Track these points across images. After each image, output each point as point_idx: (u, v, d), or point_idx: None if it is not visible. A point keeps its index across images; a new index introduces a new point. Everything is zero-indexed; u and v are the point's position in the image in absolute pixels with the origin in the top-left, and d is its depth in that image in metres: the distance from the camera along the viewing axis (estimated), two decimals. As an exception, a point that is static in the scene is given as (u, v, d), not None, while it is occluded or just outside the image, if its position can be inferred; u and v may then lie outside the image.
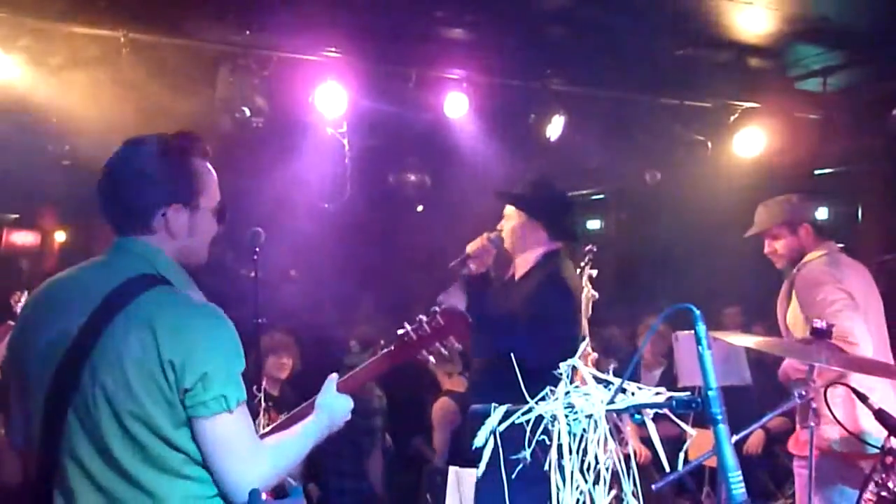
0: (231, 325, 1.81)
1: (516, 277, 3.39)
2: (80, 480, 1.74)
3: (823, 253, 3.56)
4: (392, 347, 2.25)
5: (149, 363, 1.69)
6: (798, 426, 3.52)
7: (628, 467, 1.74)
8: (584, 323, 3.73)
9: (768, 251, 3.70)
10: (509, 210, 3.43)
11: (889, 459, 2.51)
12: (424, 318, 2.24)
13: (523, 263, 3.38)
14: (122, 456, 1.72)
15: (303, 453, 1.98)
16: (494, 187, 3.75)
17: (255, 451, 1.79)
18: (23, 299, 3.60)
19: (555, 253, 3.35)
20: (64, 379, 1.73)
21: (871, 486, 2.53)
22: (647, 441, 3.93)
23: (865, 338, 3.19)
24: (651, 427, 1.81)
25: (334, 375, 2.16)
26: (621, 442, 1.76)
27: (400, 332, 2.24)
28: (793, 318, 3.56)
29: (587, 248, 3.86)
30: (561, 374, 1.62)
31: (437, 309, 2.25)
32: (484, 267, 3.45)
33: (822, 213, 6.07)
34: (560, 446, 1.74)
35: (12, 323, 3.54)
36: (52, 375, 1.74)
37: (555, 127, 5.63)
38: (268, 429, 2.19)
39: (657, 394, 1.80)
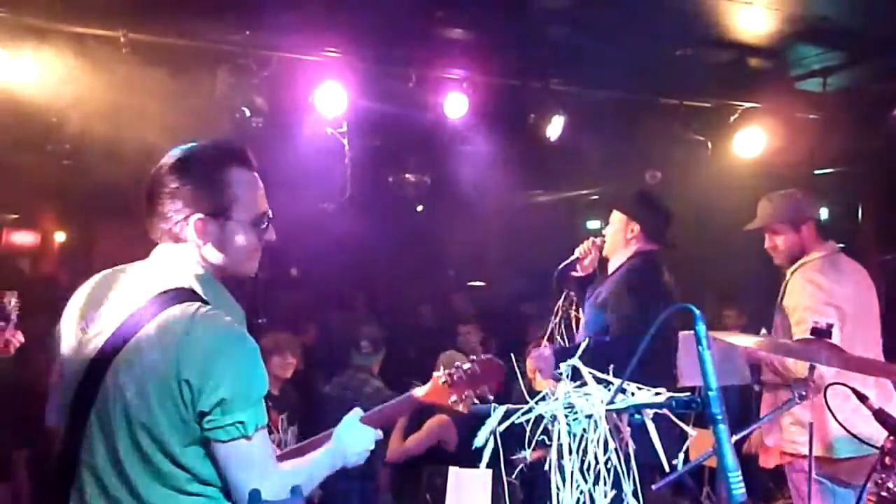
0: (255, 347, 1.78)
1: (608, 274, 3.67)
2: (92, 484, 1.76)
3: (823, 254, 3.54)
4: (425, 391, 2.23)
5: (167, 378, 1.69)
6: (763, 437, 3.57)
7: (628, 467, 1.74)
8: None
9: (768, 246, 3.68)
10: (614, 216, 3.70)
11: (888, 460, 2.51)
12: (462, 366, 2.23)
13: (616, 262, 3.64)
14: (129, 466, 1.73)
15: (316, 481, 1.99)
16: (494, 187, 3.88)
17: (269, 476, 1.79)
18: (13, 301, 3.59)
19: (645, 253, 3.57)
20: (91, 380, 1.75)
21: (871, 486, 2.53)
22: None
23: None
24: (651, 427, 1.82)
25: (358, 410, 2.15)
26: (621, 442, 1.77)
27: (435, 374, 2.22)
28: (782, 318, 3.55)
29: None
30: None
31: (475, 357, 2.26)
32: (591, 268, 3.78)
33: (822, 213, 6.07)
34: (560, 446, 1.74)
35: (2, 324, 3.56)
36: (83, 374, 1.76)
37: (555, 127, 5.62)
38: (280, 441, 2.17)
39: (657, 394, 1.80)
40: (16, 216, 8.68)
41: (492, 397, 2.25)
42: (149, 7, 4.35)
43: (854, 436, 2.90)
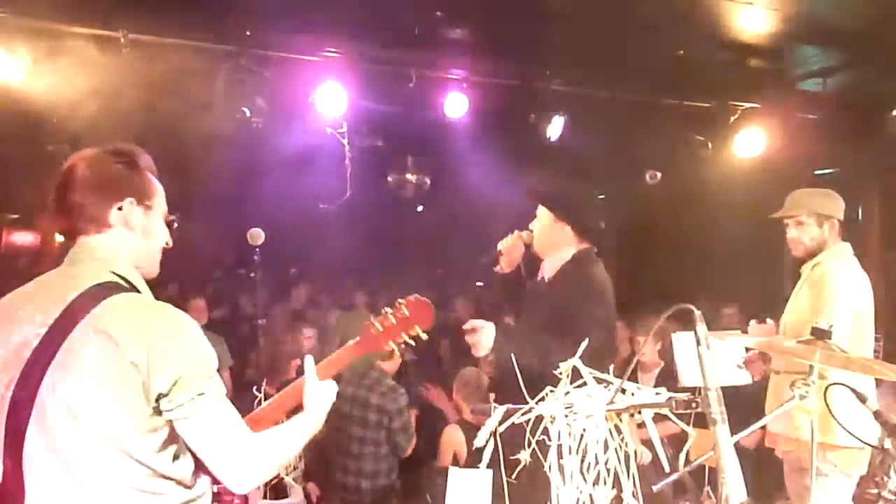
0: (195, 324, 1.78)
1: (546, 279, 3.30)
2: (43, 494, 1.70)
3: (840, 254, 3.59)
4: (358, 338, 2.29)
5: (113, 367, 1.66)
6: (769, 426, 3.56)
7: (628, 467, 1.74)
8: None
9: (790, 237, 3.71)
10: (540, 209, 3.34)
11: (887, 459, 2.51)
12: (389, 309, 2.30)
13: (551, 265, 3.28)
14: (84, 473, 1.69)
15: (296, 447, 1.98)
16: (494, 187, 3.77)
17: (247, 444, 1.78)
18: None
19: (583, 253, 3.23)
20: (23, 394, 1.68)
21: (870, 486, 2.53)
22: (647, 443, 3.93)
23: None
24: (651, 427, 1.82)
25: (310, 358, 2.16)
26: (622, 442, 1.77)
27: (365, 323, 2.29)
28: (796, 313, 3.58)
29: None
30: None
31: (401, 300, 2.30)
32: (515, 264, 3.42)
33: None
34: (560, 446, 1.74)
35: None
36: (12, 392, 1.69)
37: (555, 127, 5.63)
38: (256, 410, 2.18)
39: (657, 394, 1.81)
40: (16, 216, 8.68)
41: (424, 335, 2.29)
42: (149, 7, 4.35)
43: (855, 436, 2.90)
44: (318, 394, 2.08)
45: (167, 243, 1.97)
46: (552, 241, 3.28)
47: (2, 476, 1.71)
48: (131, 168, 1.89)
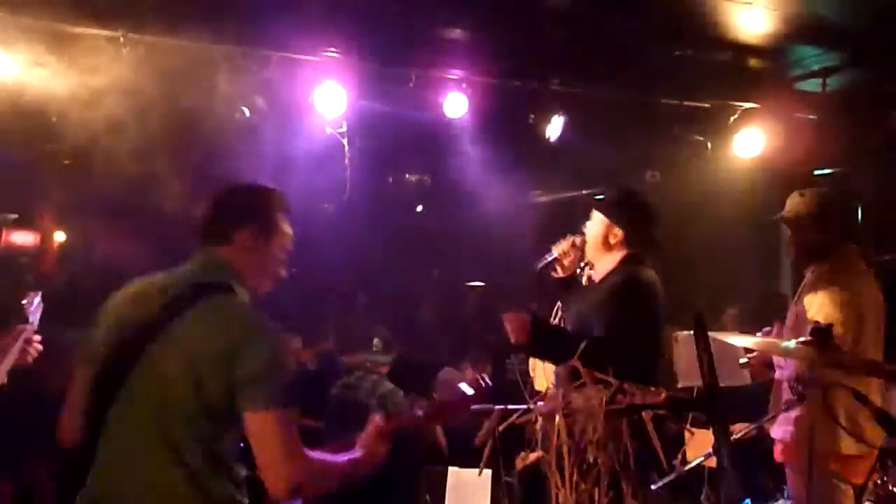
0: (283, 339, 2.04)
1: (596, 280, 3.44)
2: (111, 454, 1.95)
3: (841, 256, 3.56)
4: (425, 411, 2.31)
5: (211, 353, 1.90)
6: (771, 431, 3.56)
7: (627, 467, 1.74)
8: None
9: (790, 240, 3.68)
10: (595, 215, 3.48)
11: (888, 461, 2.51)
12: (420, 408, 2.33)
13: (601, 268, 3.41)
14: (146, 442, 1.91)
15: (336, 479, 2.08)
16: (494, 188, 3.81)
17: (293, 456, 1.92)
18: (35, 300, 3.39)
19: (633, 257, 3.35)
20: (119, 362, 1.95)
21: (871, 487, 2.53)
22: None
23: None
24: (650, 427, 1.82)
25: (377, 418, 2.27)
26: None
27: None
28: (798, 314, 3.56)
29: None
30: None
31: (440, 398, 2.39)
32: (571, 269, 3.57)
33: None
34: (560, 446, 1.75)
35: (26, 326, 3.39)
36: (111, 358, 1.97)
37: (555, 127, 5.62)
38: None
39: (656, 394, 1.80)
40: (16, 216, 8.68)
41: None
42: (149, 7, 4.35)
43: (855, 437, 2.90)
44: (375, 445, 2.19)
45: (280, 274, 2.27)
46: (604, 246, 3.40)
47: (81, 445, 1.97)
48: (267, 200, 2.27)
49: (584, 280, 3.62)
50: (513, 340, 3.18)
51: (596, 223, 3.45)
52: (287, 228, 2.28)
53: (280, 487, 1.89)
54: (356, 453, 2.15)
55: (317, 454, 2.02)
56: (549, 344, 3.13)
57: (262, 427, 1.89)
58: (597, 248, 3.43)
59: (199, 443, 1.91)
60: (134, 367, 1.94)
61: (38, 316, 3.30)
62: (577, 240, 3.52)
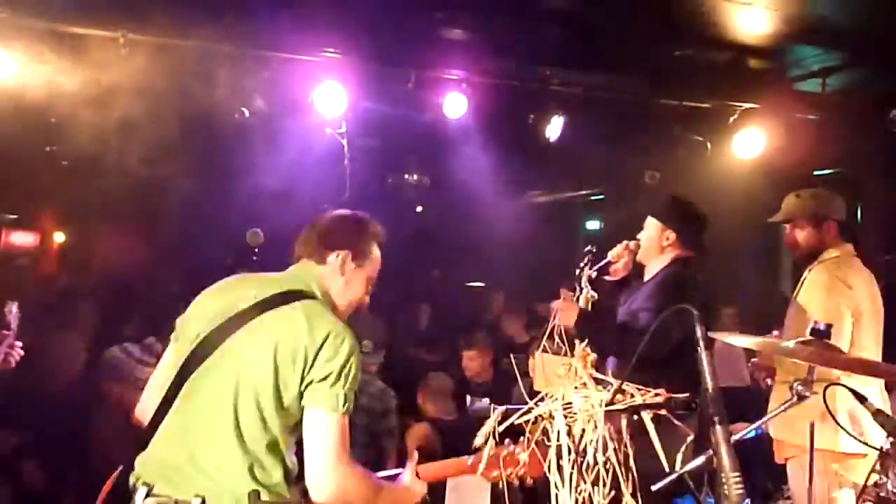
0: (355, 345, 2.07)
1: (645, 281, 3.69)
2: (175, 429, 2.03)
3: (840, 255, 3.57)
4: (472, 458, 2.25)
5: (292, 347, 2.00)
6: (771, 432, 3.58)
7: (627, 467, 1.74)
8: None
9: (788, 241, 3.73)
10: (649, 220, 3.72)
11: (887, 460, 2.50)
12: (513, 445, 2.24)
13: (651, 269, 3.68)
14: (216, 421, 1.98)
15: (374, 500, 2.11)
16: (494, 188, 3.86)
17: (340, 462, 1.97)
18: (14, 309, 3.46)
19: (681, 259, 3.60)
20: (205, 346, 2.07)
21: (870, 487, 2.53)
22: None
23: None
24: (651, 427, 1.82)
25: (415, 458, 2.34)
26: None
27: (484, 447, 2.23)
28: (797, 314, 3.57)
29: (586, 248, 3.90)
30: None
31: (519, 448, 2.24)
32: (624, 272, 3.79)
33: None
34: (559, 447, 1.74)
35: (7, 333, 3.41)
36: (200, 344, 2.08)
37: (554, 127, 5.62)
38: None
39: (656, 394, 1.81)
40: (15, 216, 8.68)
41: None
42: (149, 7, 4.35)
43: (855, 437, 2.90)
44: (412, 485, 2.25)
45: (362, 301, 2.39)
46: (656, 249, 3.66)
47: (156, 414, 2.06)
48: (365, 233, 2.41)
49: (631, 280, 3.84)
50: (559, 323, 3.24)
51: (650, 227, 3.70)
52: (377, 259, 2.42)
53: (325, 490, 1.95)
54: (399, 486, 2.22)
55: (364, 470, 2.09)
56: (595, 331, 3.24)
57: (321, 427, 1.97)
58: (650, 251, 3.68)
59: (265, 431, 1.98)
60: (217, 350, 2.05)
61: (16, 324, 3.40)
62: (631, 244, 3.75)
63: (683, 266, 3.59)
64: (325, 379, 1.99)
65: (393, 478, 2.27)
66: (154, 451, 2.03)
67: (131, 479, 2.02)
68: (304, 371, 1.99)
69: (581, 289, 3.68)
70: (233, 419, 1.98)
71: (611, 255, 3.78)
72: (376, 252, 2.42)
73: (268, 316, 2.06)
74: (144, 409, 2.17)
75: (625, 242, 3.78)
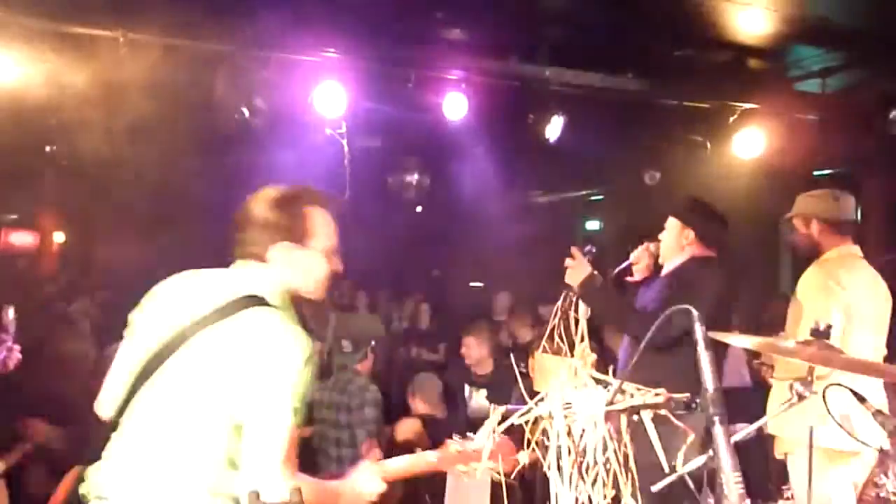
0: (311, 356, 1.97)
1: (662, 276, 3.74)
2: (128, 441, 1.97)
3: (839, 255, 3.58)
4: (439, 454, 2.20)
5: (243, 355, 1.92)
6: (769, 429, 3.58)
7: (627, 468, 1.74)
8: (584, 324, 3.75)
9: (792, 238, 3.84)
10: (670, 220, 3.75)
11: (886, 461, 2.50)
12: (467, 443, 2.19)
13: (669, 266, 3.72)
14: (164, 430, 1.93)
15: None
16: (494, 188, 3.86)
17: (279, 475, 1.88)
18: (10, 314, 3.45)
19: (700, 257, 3.63)
20: (163, 351, 1.99)
21: (870, 487, 2.53)
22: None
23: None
24: (650, 427, 1.82)
25: (378, 455, 2.28)
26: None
27: (449, 441, 2.19)
28: (796, 314, 3.58)
29: (586, 248, 3.90)
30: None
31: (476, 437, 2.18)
32: (646, 273, 3.81)
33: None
34: (559, 447, 1.74)
35: (4, 336, 3.38)
36: (147, 360, 2.00)
37: (554, 127, 5.62)
38: None
39: (656, 394, 1.80)
40: (15, 216, 8.69)
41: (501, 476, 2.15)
42: (149, 7, 4.35)
43: (854, 437, 2.90)
44: (357, 482, 2.13)
45: (335, 271, 2.19)
46: (676, 247, 3.70)
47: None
48: (293, 210, 2.13)
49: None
50: (566, 279, 3.45)
51: (670, 227, 3.73)
52: (326, 224, 2.16)
53: (280, 489, 1.83)
54: (341, 486, 2.10)
55: (303, 476, 1.98)
56: (598, 299, 3.34)
57: (269, 430, 1.89)
58: (670, 249, 3.72)
59: (218, 441, 1.93)
60: (171, 357, 1.99)
61: (13, 329, 3.39)
62: (651, 245, 3.78)
63: (700, 265, 3.61)
64: (266, 388, 1.91)
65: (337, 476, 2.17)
66: (107, 463, 1.98)
67: (81, 490, 1.97)
68: (253, 380, 1.91)
69: (559, 304, 3.68)
70: (186, 429, 1.93)
71: (632, 257, 3.82)
72: (321, 218, 2.16)
73: (220, 325, 1.97)
74: (101, 404, 2.11)
75: (645, 244, 3.82)
